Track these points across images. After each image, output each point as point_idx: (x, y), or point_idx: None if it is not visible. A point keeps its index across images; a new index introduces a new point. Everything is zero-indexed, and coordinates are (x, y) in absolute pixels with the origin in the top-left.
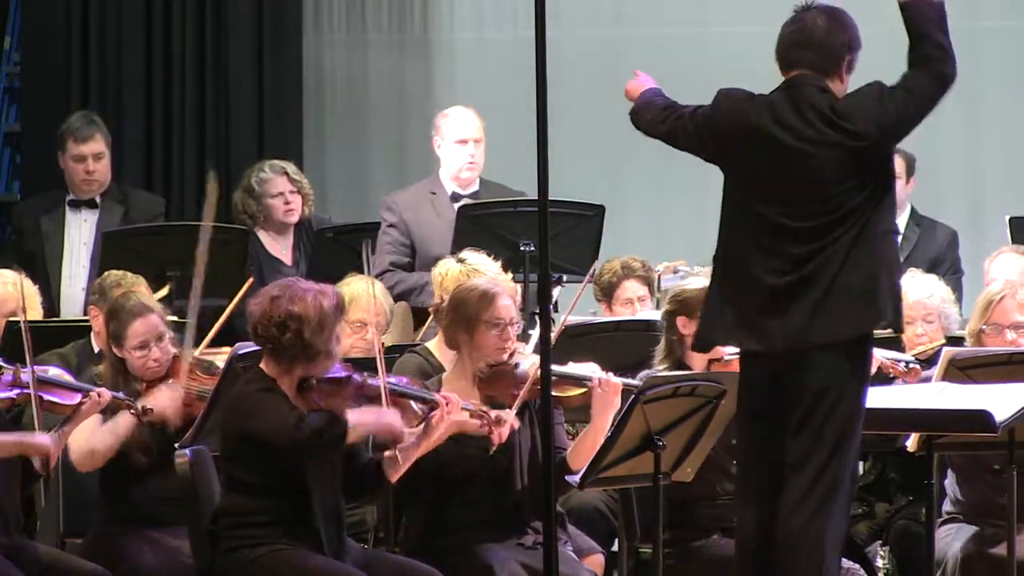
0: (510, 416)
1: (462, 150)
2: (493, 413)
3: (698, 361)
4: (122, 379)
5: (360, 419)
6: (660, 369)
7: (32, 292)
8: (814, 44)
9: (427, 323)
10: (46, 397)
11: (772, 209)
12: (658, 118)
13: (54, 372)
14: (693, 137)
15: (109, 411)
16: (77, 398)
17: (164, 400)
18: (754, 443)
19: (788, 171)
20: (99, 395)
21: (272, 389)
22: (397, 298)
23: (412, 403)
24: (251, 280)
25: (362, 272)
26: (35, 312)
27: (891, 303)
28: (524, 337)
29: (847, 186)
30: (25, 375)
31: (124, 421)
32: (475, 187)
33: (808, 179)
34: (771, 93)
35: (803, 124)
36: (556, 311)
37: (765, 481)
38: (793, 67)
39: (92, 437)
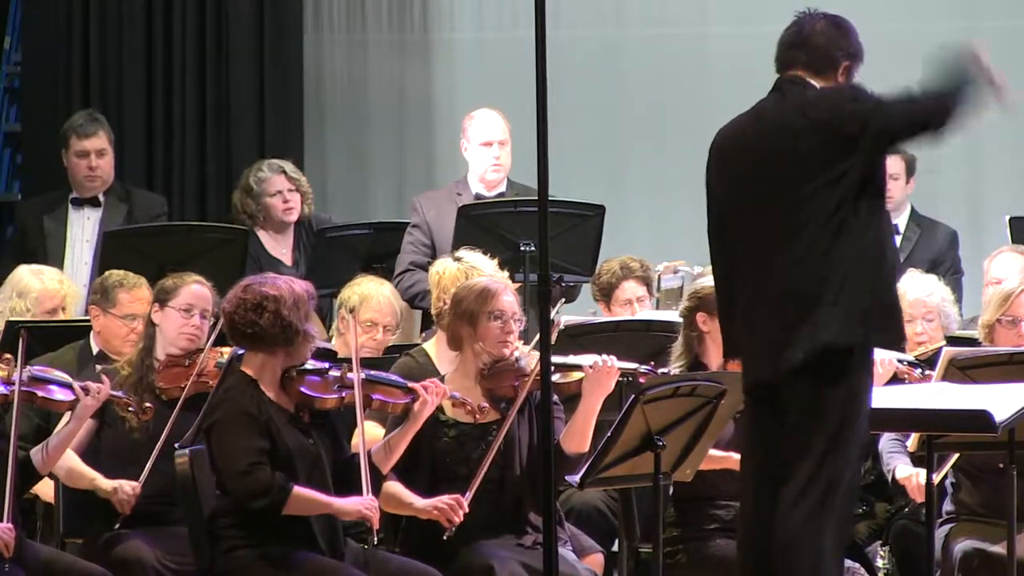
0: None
1: (487, 152)
2: (475, 403)
3: (715, 359)
4: (146, 363)
5: (309, 496)
6: (676, 367)
7: (74, 290)
8: (808, 44)
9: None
10: (41, 395)
11: (745, 232)
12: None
13: (55, 372)
14: (708, 187)
15: (106, 420)
16: (72, 395)
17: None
18: (754, 444)
19: (756, 189)
20: (98, 391)
21: (249, 411)
22: (414, 298)
23: (396, 390)
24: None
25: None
26: (72, 310)
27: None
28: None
29: (815, 205)
30: (16, 375)
31: (100, 486)
32: (501, 188)
33: (778, 198)
34: (753, 109)
35: (785, 122)
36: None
37: (765, 483)
38: (787, 67)
39: (71, 467)
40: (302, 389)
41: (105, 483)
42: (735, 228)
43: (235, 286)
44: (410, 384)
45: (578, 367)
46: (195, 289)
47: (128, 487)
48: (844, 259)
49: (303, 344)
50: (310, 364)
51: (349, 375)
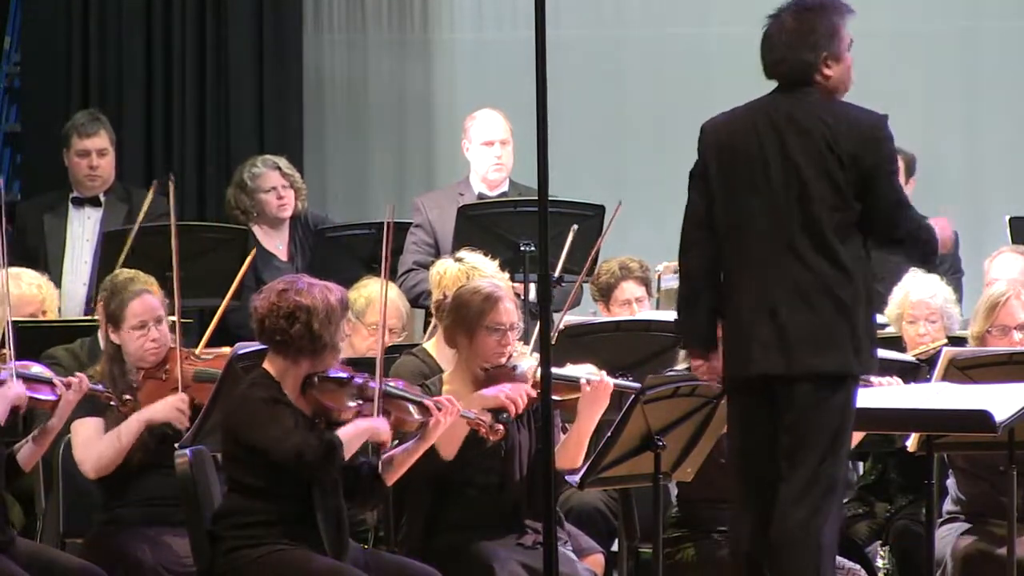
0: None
1: (488, 152)
2: (489, 422)
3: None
4: (118, 370)
5: (350, 434)
6: (683, 366)
7: (53, 293)
8: (785, 59)
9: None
10: (28, 394)
11: (759, 226)
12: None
13: (35, 369)
14: (699, 178)
15: (97, 410)
16: (57, 392)
17: (168, 411)
18: (748, 444)
19: (773, 182)
20: (79, 384)
21: (277, 398)
22: (419, 296)
23: (410, 407)
24: (246, 268)
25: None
26: (53, 313)
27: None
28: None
29: (828, 203)
30: (3, 373)
31: (127, 430)
32: (503, 188)
33: (795, 191)
34: (757, 103)
35: (787, 135)
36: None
37: (759, 483)
38: (773, 78)
39: (99, 446)
40: (321, 399)
41: (159, 410)
42: (747, 221)
43: (271, 285)
44: (426, 402)
45: (572, 383)
46: (137, 305)
47: (169, 399)
48: (867, 287)
49: (329, 355)
50: (332, 372)
51: (371, 384)
